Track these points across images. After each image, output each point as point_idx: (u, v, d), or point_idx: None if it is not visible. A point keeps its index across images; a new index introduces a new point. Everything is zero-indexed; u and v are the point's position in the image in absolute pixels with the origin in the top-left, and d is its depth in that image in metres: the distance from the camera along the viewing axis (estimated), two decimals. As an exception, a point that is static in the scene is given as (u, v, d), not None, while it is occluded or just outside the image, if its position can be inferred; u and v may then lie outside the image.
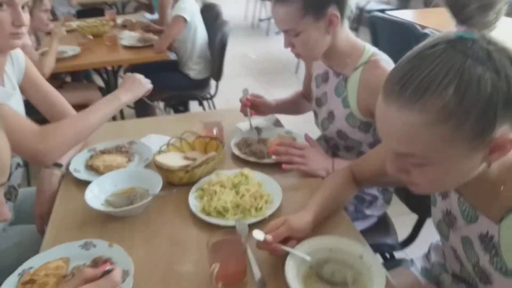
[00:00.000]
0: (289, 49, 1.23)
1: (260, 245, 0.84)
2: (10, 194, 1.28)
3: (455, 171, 0.61)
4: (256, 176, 1.16)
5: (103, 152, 1.33)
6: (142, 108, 2.79)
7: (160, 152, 1.24)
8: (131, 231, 1.01)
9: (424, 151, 0.59)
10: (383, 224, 1.40)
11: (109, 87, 2.74)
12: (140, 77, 1.38)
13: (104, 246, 0.87)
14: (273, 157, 1.23)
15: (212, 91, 2.85)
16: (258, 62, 4.80)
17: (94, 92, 2.60)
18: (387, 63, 1.17)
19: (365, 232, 1.05)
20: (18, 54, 1.29)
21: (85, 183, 1.13)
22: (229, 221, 1.00)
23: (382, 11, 3.34)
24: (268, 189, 1.11)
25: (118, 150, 1.34)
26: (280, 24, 1.18)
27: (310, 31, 1.15)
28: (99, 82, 2.98)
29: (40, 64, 2.18)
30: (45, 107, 1.39)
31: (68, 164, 1.26)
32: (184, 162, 1.19)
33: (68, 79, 3.01)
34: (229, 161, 1.29)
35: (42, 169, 1.21)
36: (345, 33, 1.22)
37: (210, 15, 2.80)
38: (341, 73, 1.27)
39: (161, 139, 1.37)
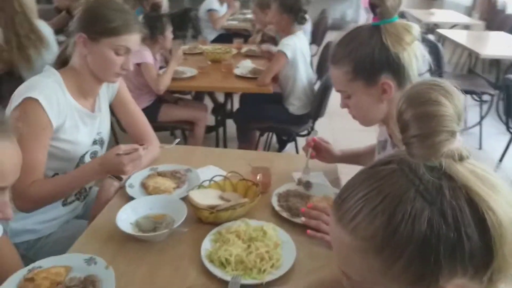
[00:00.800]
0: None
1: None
2: (80, 194, 1.48)
3: None
4: (277, 234, 1.12)
5: (159, 173, 1.44)
6: (243, 134, 2.94)
7: (200, 186, 1.30)
8: (142, 255, 1.08)
9: (357, 276, 0.51)
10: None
11: (218, 111, 2.96)
12: (122, 161, 1.23)
13: (101, 266, 0.95)
14: (302, 218, 1.17)
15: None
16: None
17: (202, 112, 2.83)
18: None
19: None
20: None
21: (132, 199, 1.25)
22: (227, 275, 0.99)
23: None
24: (284, 252, 1.07)
25: (173, 175, 1.44)
26: (334, 84, 1.14)
27: (361, 96, 1.09)
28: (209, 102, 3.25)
29: (157, 81, 2.48)
30: (128, 125, 1.58)
31: (128, 177, 1.40)
32: (216, 202, 1.22)
33: (189, 96, 3.35)
34: (265, 210, 1.28)
35: (105, 178, 1.37)
36: None
37: (327, 54, 2.81)
38: (397, 145, 1.16)
39: (216, 172, 1.43)
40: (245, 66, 2.98)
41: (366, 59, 1.04)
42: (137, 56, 2.51)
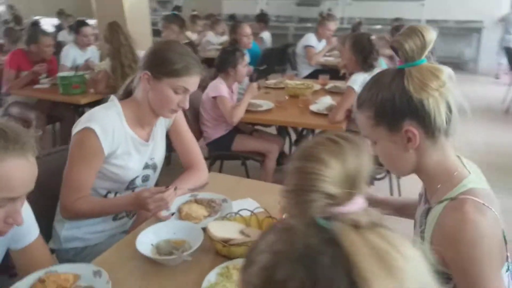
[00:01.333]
0: None
1: None
2: (130, 211, 1.61)
3: None
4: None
5: (197, 200, 1.50)
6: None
7: (224, 218, 1.32)
8: (151, 276, 1.13)
9: None
10: None
11: (291, 144, 2.97)
12: (147, 202, 1.32)
13: (104, 280, 1.01)
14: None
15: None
16: (490, 154, 4.08)
17: (274, 145, 2.86)
18: (478, 210, 0.89)
19: None
20: None
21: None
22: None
23: None
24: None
25: (209, 203, 1.48)
26: (360, 129, 1.07)
27: (386, 143, 1.01)
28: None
29: (231, 113, 2.60)
30: (181, 152, 1.69)
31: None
32: (234, 235, 1.22)
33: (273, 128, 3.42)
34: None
35: None
36: (439, 154, 0.99)
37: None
38: (429, 201, 1.04)
39: (251, 205, 1.44)
40: (324, 102, 2.95)
41: (387, 103, 0.97)
42: (213, 90, 2.68)
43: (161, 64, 1.40)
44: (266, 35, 6.01)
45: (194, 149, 1.69)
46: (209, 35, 6.06)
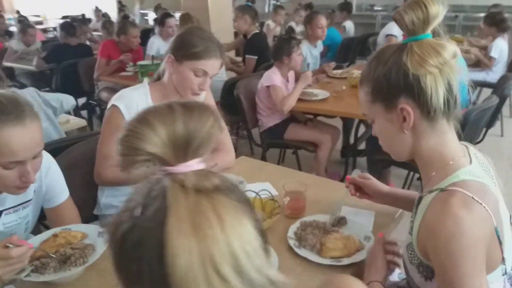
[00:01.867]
0: None
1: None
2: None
3: None
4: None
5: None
6: (371, 164, 2.79)
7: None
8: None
9: None
10: None
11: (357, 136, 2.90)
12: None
13: (103, 240, 1.15)
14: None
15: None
16: None
17: (328, 136, 2.82)
18: (463, 204, 0.82)
19: None
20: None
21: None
22: None
23: None
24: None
25: (226, 184, 1.55)
26: (360, 106, 1.03)
27: (382, 122, 0.96)
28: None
29: (282, 102, 2.63)
30: None
31: None
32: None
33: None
34: (279, 234, 1.26)
35: None
36: (437, 139, 0.93)
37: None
38: (422, 189, 0.98)
39: (264, 187, 1.48)
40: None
41: (383, 79, 0.91)
42: (267, 79, 2.73)
43: (183, 47, 1.50)
44: (348, 24, 5.84)
45: (222, 135, 1.77)
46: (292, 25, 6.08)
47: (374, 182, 1.31)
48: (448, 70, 0.87)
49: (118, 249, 0.48)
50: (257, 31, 3.95)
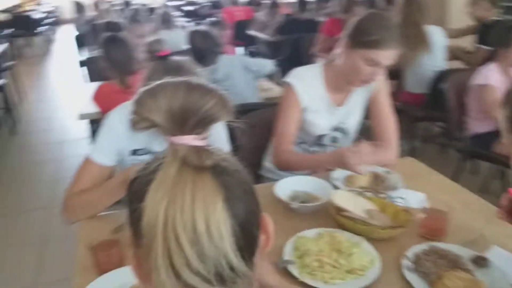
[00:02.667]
0: None
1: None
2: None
3: None
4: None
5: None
6: None
7: (361, 193, 1.31)
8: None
9: None
10: None
11: None
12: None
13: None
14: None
15: None
16: None
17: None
18: None
19: None
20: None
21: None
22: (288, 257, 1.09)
23: None
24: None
25: (374, 175, 1.49)
26: None
27: None
28: None
29: (493, 106, 2.18)
30: (375, 125, 1.70)
31: None
32: (357, 211, 1.21)
33: None
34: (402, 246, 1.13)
35: None
36: None
37: None
38: None
39: (416, 199, 1.34)
40: None
41: None
42: (481, 76, 2.30)
43: (358, 33, 1.44)
44: None
45: (389, 125, 1.65)
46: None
47: None
48: None
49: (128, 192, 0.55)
50: (498, 18, 3.32)
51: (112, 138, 1.32)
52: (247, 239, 0.50)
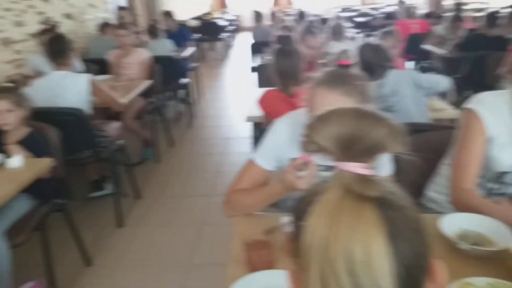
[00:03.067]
0: None
1: None
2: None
3: None
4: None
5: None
6: None
7: None
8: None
9: None
10: None
11: None
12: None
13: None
14: None
15: None
16: None
17: None
18: None
19: None
20: None
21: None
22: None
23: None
24: None
25: None
26: None
27: None
28: None
29: None
30: None
31: None
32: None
33: None
34: None
35: None
36: None
37: None
38: None
39: None
40: None
41: None
42: None
43: None
44: None
45: None
46: None
47: None
48: None
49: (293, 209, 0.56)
50: None
51: (275, 144, 1.37)
52: (410, 284, 0.45)
